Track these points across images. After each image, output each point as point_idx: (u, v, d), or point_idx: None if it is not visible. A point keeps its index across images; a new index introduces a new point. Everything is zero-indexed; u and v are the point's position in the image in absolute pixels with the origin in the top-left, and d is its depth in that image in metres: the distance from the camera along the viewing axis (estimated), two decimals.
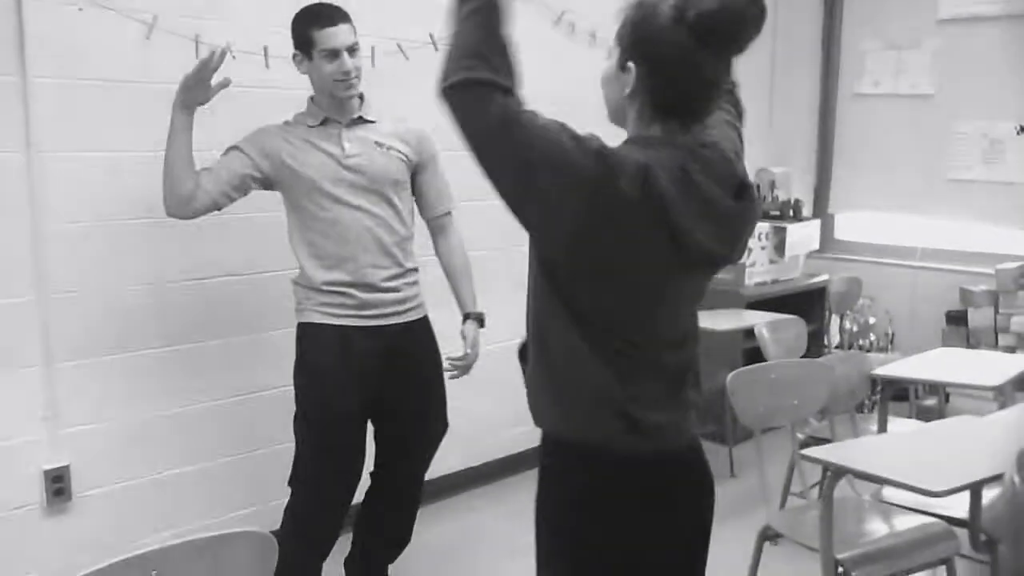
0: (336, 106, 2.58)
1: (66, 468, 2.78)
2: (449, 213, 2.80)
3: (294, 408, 2.65)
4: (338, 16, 2.51)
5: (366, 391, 2.62)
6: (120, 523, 2.88)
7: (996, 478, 1.97)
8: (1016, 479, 1.82)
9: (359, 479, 2.73)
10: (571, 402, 1.53)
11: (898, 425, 3.39)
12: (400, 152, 2.63)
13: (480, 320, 2.80)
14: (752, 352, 3.99)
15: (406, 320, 2.67)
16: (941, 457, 2.32)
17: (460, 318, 2.80)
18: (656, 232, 1.41)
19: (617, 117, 1.54)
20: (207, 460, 3.11)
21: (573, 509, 1.55)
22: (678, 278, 1.52)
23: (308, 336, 2.62)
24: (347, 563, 2.92)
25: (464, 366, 2.77)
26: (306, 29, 2.50)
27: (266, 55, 2.95)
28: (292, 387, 2.66)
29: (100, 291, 2.81)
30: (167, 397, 3.00)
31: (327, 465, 2.63)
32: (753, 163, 5.23)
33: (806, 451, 2.37)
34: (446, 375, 2.78)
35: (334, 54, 2.48)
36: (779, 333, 3.67)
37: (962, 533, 2.49)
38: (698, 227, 1.44)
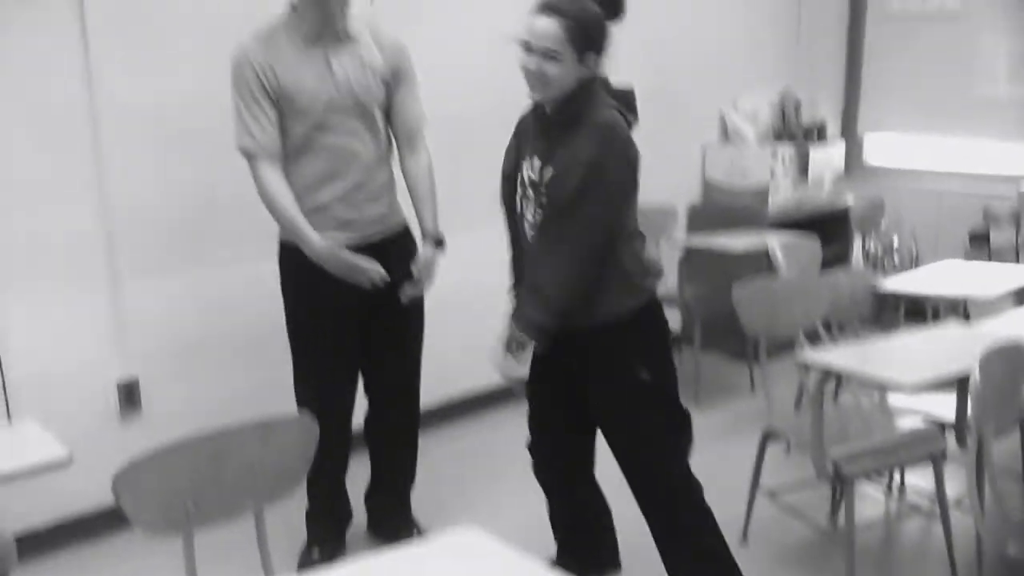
0: (323, 19, 2.48)
1: (136, 380, 3.08)
2: (421, 131, 2.74)
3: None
4: None
5: (351, 299, 2.60)
6: (188, 431, 3.17)
7: (965, 376, 2.14)
8: (977, 376, 2.01)
9: (355, 386, 2.82)
10: None
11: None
12: (383, 70, 2.59)
13: (437, 241, 2.74)
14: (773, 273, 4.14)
15: (387, 233, 2.69)
16: (926, 359, 2.49)
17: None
18: None
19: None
20: (271, 370, 3.37)
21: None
22: None
23: (290, 255, 2.62)
24: (367, 497, 3.03)
25: (415, 289, 2.71)
26: None
27: None
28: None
29: (162, 213, 3.06)
30: (230, 314, 3.27)
31: (323, 377, 2.70)
32: (778, 83, 5.29)
33: (801, 356, 2.57)
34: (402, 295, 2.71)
35: None
36: (793, 251, 3.83)
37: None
38: None
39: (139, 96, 2.96)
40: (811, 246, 3.96)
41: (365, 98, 2.56)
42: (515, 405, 4.06)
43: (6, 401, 2.82)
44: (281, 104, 2.49)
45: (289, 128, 2.52)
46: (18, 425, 2.10)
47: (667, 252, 4.69)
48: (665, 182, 4.81)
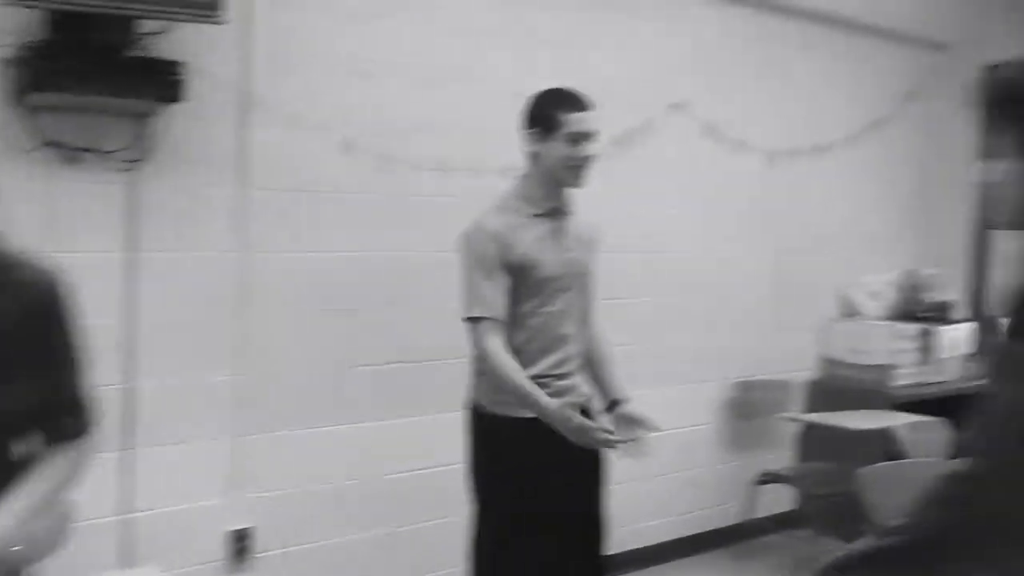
0: (555, 193, 2.56)
1: (247, 530, 3.12)
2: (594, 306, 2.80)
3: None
4: (589, 103, 2.54)
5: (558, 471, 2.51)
6: None
7: None
8: None
9: None
10: None
11: None
12: (591, 246, 2.70)
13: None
14: (897, 456, 3.96)
15: (579, 405, 2.55)
16: None
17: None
18: None
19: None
20: (387, 526, 3.40)
21: None
22: None
23: (511, 431, 2.50)
24: None
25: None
26: (555, 109, 2.51)
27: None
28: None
29: (292, 373, 3.19)
30: (353, 468, 3.33)
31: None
32: (903, 261, 5.23)
33: None
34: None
35: (580, 138, 2.49)
36: (920, 434, 3.68)
37: None
38: None
39: (291, 259, 3.14)
40: (939, 429, 3.81)
41: (583, 271, 2.63)
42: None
43: (126, 546, 2.86)
44: (514, 275, 2.49)
45: (515, 298, 2.51)
46: (139, 571, 2.10)
47: (783, 427, 4.58)
48: (781, 356, 4.74)
